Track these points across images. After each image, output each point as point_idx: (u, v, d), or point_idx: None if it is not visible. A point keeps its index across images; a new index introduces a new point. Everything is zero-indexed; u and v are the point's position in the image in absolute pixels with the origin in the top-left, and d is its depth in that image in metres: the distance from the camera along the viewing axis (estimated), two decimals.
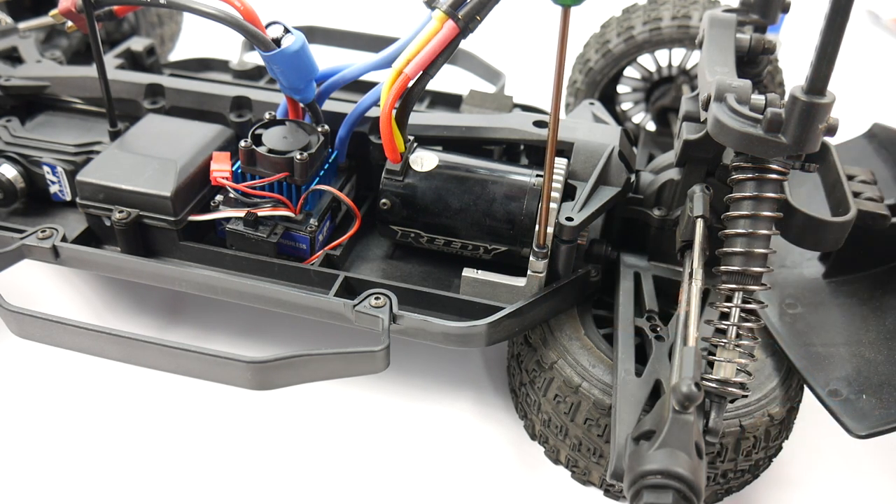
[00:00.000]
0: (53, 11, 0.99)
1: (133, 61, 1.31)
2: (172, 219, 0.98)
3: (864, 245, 1.00)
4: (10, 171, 1.08)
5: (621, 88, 1.45)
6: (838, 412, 0.87)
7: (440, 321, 0.91)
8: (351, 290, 0.97)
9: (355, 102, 1.04)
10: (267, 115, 1.00)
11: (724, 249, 0.83)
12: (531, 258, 0.92)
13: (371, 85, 1.19)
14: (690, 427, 0.72)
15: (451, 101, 1.32)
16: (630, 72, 1.42)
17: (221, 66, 1.38)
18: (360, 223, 1.06)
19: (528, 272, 0.93)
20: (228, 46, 1.51)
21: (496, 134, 1.06)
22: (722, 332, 0.81)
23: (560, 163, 0.98)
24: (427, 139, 1.07)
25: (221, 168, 0.99)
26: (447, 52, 0.92)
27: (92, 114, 1.19)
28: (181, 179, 0.99)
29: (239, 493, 0.96)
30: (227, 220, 0.99)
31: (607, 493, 0.97)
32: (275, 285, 0.96)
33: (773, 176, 0.81)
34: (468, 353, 1.16)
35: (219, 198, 0.99)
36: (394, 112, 0.95)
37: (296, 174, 0.95)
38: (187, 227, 1.01)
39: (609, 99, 1.44)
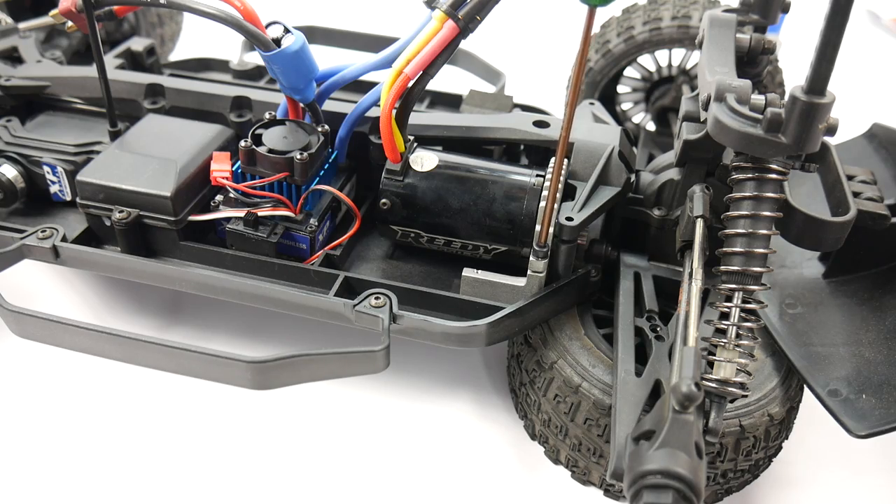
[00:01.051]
0: (53, 11, 0.99)
1: (133, 61, 1.31)
2: (172, 219, 0.98)
3: (864, 245, 1.00)
4: (10, 171, 1.08)
5: (621, 88, 1.45)
6: (838, 412, 0.87)
7: (440, 321, 0.91)
8: (351, 290, 0.97)
9: (355, 102, 1.04)
10: (267, 115, 1.00)
11: (724, 249, 0.83)
12: (531, 258, 0.92)
13: (371, 85, 1.19)
14: (690, 427, 0.72)
15: (451, 101, 1.32)
16: (630, 72, 1.42)
17: (221, 66, 1.38)
18: (360, 223, 1.06)
19: (528, 272, 0.93)
20: (228, 46, 1.51)
21: (496, 134, 1.06)
22: (722, 332, 0.81)
23: None
24: (427, 139, 1.07)
25: (221, 168, 0.99)
26: (447, 52, 0.92)
27: (92, 114, 1.19)
28: (181, 179, 0.99)
29: (239, 493, 0.96)
30: (227, 220, 0.99)
31: (607, 493, 0.97)
32: (275, 285, 0.96)
33: (773, 176, 0.81)
34: (468, 353, 1.16)
35: (219, 198, 0.99)
36: (394, 112, 0.95)
37: (296, 174, 0.95)
38: (187, 227, 1.01)
39: (609, 99, 1.44)
